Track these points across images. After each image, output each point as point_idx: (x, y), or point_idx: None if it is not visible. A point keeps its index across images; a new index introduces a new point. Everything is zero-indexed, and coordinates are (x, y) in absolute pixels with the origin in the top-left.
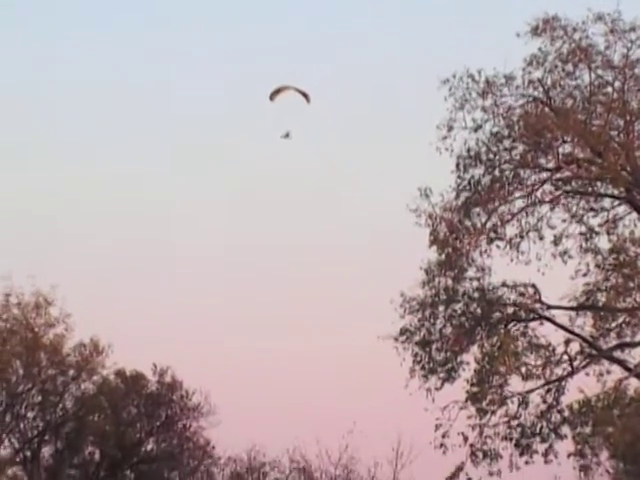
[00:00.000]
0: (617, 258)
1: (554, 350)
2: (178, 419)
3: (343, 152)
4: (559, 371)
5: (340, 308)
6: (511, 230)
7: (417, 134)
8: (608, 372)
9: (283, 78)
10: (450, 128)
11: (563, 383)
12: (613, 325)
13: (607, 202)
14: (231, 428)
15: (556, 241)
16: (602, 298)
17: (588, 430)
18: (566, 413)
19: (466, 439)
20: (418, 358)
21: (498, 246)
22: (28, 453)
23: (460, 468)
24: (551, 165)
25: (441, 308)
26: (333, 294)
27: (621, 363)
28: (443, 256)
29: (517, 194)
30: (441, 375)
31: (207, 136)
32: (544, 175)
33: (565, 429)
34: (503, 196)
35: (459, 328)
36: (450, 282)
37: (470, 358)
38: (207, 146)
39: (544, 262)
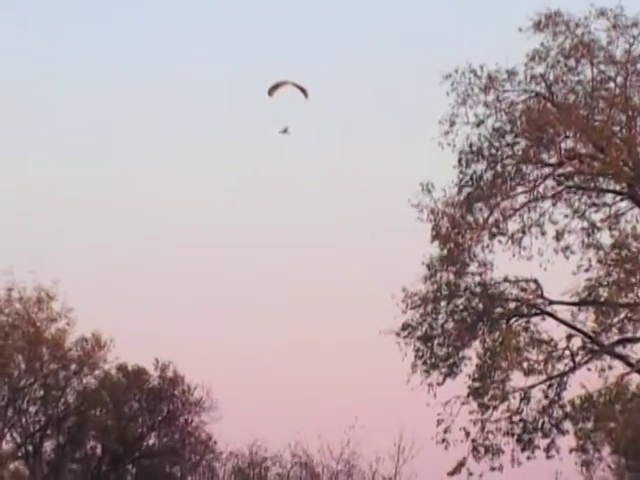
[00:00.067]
0: (619, 253)
1: (556, 345)
2: (180, 414)
3: (343, 150)
4: (561, 366)
5: (341, 304)
6: (513, 225)
7: (418, 130)
8: (610, 367)
9: (283, 77)
10: (452, 123)
11: (565, 378)
12: (615, 320)
13: (609, 197)
14: (233, 423)
15: (558, 236)
16: (604, 293)
17: (590, 425)
18: (568, 408)
19: (468, 434)
20: (420, 353)
21: (500, 241)
22: (30, 447)
23: (462, 463)
24: (553, 160)
25: (443, 303)
26: (335, 290)
27: (623, 358)
28: (445, 251)
29: (519, 189)
30: (443, 370)
31: (207, 136)
32: (546, 170)
33: (567, 424)
34: (505, 191)
35: (461, 323)
36: (452, 277)
37: (472, 353)
38: (207, 146)
39: (546, 257)
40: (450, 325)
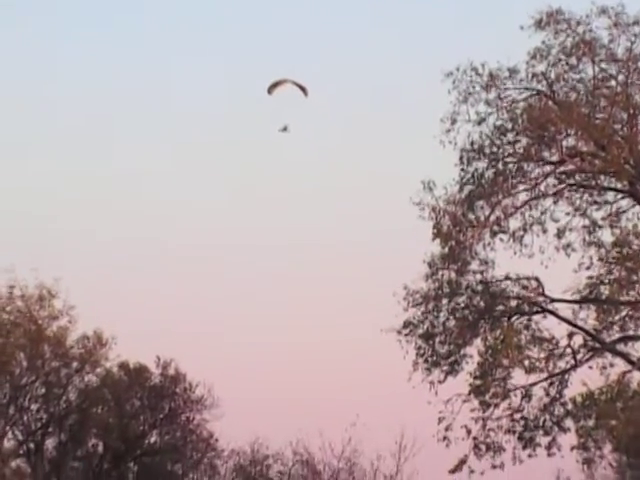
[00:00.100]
0: (620, 251)
1: (557, 343)
2: (181, 412)
3: (344, 148)
4: (562, 364)
5: (343, 302)
6: (514, 223)
7: (419, 128)
8: (611, 365)
9: (283, 76)
10: (454, 121)
11: (566, 376)
12: (616, 318)
13: (610, 195)
14: (234, 421)
15: (559, 234)
16: (605, 291)
17: (591, 423)
18: (569, 406)
19: (469, 432)
20: (421, 351)
21: (501, 239)
22: (32, 445)
23: (463, 461)
24: (555, 158)
25: (444, 301)
26: (336, 289)
27: (624, 356)
28: (446, 249)
29: (521, 187)
30: (444, 368)
31: (207, 136)
32: (548, 168)
33: (568, 422)
34: (507, 189)
35: (462, 321)
36: (453, 275)
37: (473, 351)
38: (207, 146)
39: (547, 255)
40: (451, 323)
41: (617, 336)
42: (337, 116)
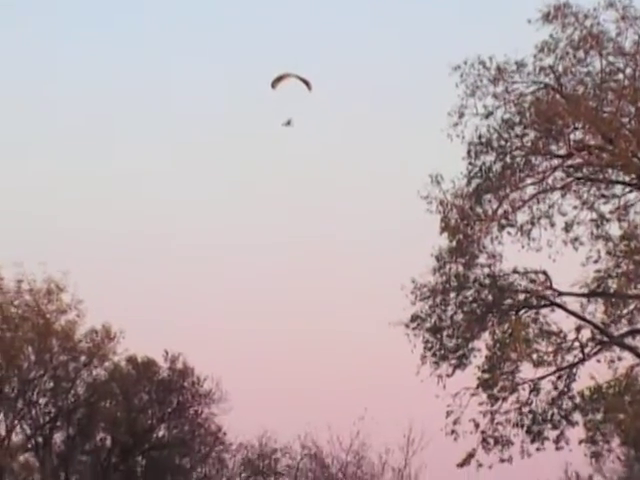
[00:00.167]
0: (628, 245)
1: (565, 337)
2: (189, 405)
3: (344, 148)
4: (570, 358)
5: (351, 296)
6: (522, 217)
7: (426, 123)
8: (619, 359)
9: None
10: (461, 115)
11: (574, 370)
12: (624, 312)
13: (618, 189)
14: (242, 414)
15: (567, 228)
16: (613, 285)
17: (599, 417)
18: (577, 400)
19: (477, 426)
20: (429, 345)
21: (509, 233)
22: (40, 439)
23: (471, 455)
24: (562, 152)
25: (452, 295)
26: (345, 282)
27: (632, 350)
28: (454, 243)
29: (528, 181)
30: (452, 362)
31: (207, 136)
32: (555, 162)
33: (576, 416)
34: (514, 183)
35: (470, 315)
36: (461, 269)
37: (481, 345)
38: (207, 145)
39: (555, 249)
40: (459, 317)
41: (625, 330)
42: (338, 115)
